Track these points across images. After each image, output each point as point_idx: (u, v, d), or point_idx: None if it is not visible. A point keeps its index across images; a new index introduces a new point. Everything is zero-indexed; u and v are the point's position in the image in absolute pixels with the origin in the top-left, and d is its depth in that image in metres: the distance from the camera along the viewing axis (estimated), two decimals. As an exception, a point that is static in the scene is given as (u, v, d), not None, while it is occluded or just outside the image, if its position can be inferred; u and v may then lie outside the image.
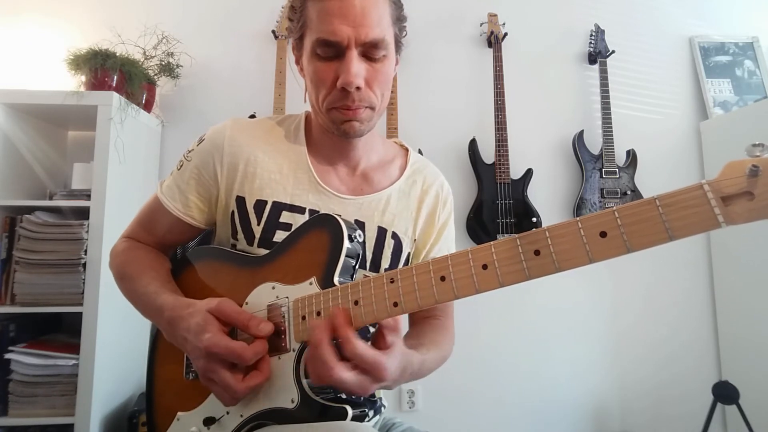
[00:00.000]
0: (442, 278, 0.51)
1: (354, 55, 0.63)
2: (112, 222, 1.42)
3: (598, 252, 0.44)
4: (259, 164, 0.71)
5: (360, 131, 0.68)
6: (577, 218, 0.45)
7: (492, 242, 0.49)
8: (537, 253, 0.47)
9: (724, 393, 1.51)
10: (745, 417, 1.47)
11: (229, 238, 0.72)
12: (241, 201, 0.71)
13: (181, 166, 0.74)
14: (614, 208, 0.44)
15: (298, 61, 0.74)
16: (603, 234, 0.44)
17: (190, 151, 0.74)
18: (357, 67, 0.63)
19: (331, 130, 0.69)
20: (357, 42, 0.63)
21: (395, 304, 0.53)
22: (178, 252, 0.85)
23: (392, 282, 0.54)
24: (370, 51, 0.65)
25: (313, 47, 0.65)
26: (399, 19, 0.70)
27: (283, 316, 0.60)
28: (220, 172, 0.71)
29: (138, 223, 0.78)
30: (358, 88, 0.64)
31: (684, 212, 0.42)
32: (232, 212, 0.71)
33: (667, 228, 0.42)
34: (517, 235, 0.48)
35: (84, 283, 1.37)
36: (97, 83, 1.51)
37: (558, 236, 0.46)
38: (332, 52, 0.64)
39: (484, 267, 0.49)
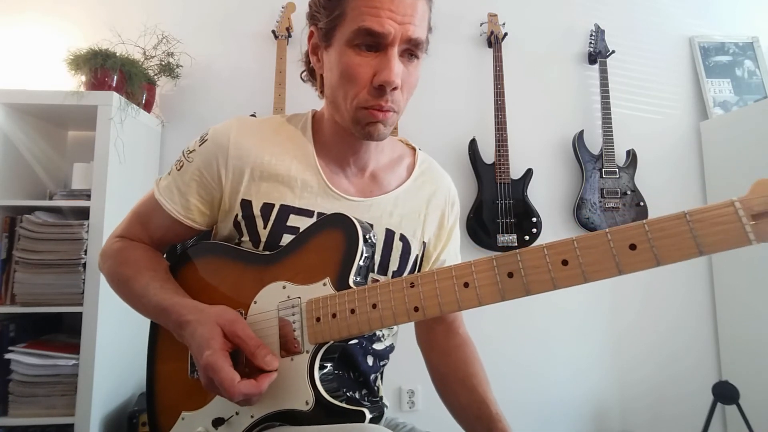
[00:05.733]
0: (466, 284, 0.51)
1: (396, 53, 0.61)
2: (112, 222, 1.41)
3: (627, 264, 0.44)
4: (266, 168, 0.68)
5: (383, 135, 0.65)
6: (606, 230, 0.46)
7: (519, 249, 0.49)
8: (565, 263, 0.47)
9: (724, 393, 1.51)
10: (745, 417, 1.47)
11: (232, 241, 0.70)
12: (247, 204, 0.68)
13: (181, 166, 0.70)
14: (645, 221, 0.44)
15: (315, 50, 0.69)
16: (633, 246, 0.44)
17: (191, 152, 0.70)
18: (398, 67, 0.61)
19: (352, 130, 0.66)
20: (402, 39, 0.61)
21: (416, 309, 0.53)
22: (178, 248, 0.82)
23: (412, 286, 0.53)
24: (409, 50, 0.63)
25: (352, 37, 0.61)
26: (430, 29, 0.68)
27: (295, 316, 0.59)
28: (225, 176, 0.68)
29: (133, 222, 0.74)
30: (394, 88, 0.61)
31: (714, 228, 0.42)
32: (236, 215, 0.68)
33: (697, 243, 0.42)
34: (544, 245, 0.48)
35: (84, 283, 1.37)
36: (97, 83, 1.51)
37: (586, 247, 0.46)
38: (372, 41, 0.61)
39: (510, 275, 0.49)
